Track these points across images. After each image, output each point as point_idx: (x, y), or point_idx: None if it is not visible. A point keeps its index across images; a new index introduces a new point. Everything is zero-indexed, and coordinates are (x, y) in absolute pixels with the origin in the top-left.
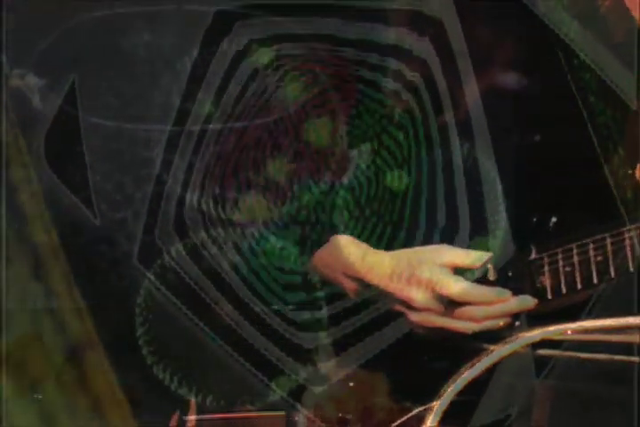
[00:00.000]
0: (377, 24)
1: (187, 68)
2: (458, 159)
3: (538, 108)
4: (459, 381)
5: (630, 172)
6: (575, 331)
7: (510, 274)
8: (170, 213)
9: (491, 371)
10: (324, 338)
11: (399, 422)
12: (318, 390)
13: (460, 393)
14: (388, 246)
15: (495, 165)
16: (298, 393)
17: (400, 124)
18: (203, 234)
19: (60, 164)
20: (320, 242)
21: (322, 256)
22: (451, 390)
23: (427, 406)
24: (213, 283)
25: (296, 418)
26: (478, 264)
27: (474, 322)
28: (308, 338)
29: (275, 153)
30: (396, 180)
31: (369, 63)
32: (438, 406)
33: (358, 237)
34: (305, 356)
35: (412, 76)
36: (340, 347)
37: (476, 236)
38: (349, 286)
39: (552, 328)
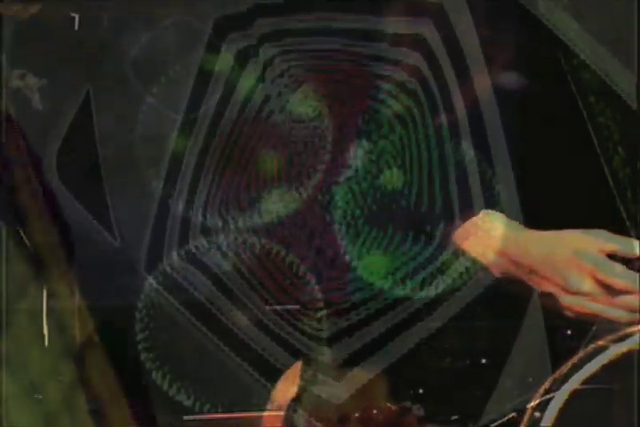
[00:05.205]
0: (376, 15)
1: (187, 77)
2: (458, 158)
3: (537, 107)
4: (574, 377)
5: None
6: None
7: None
8: (177, 223)
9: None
10: (325, 351)
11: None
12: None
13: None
14: (388, 247)
15: (494, 164)
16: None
17: (403, 120)
18: (209, 240)
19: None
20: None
21: (468, 231)
22: (566, 387)
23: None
24: (221, 290)
25: (296, 418)
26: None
27: (630, 311)
28: (310, 347)
29: (278, 157)
30: (397, 179)
31: (369, 58)
32: (553, 404)
33: (356, 237)
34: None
35: (414, 71)
36: (345, 363)
37: None
38: (495, 262)
39: None
